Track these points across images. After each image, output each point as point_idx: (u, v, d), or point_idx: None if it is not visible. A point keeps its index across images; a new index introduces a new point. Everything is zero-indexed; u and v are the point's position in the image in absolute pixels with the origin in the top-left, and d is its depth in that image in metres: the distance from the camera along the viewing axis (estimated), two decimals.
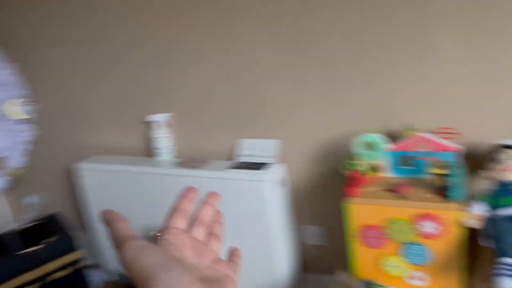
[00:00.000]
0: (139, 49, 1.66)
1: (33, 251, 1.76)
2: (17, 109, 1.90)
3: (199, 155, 1.71)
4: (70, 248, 1.80)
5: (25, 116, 1.94)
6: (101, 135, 1.93)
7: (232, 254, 0.45)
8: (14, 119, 1.92)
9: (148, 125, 1.78)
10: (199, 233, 0.42)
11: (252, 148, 1.53)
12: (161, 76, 1.66)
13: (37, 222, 2.02)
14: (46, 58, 1.93)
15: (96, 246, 2.13)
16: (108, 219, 0.35)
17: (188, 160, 1.64)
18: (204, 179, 1.49)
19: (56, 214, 2.06)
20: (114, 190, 1.76)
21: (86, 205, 1.88)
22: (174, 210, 0.41)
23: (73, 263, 1.81)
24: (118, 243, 0.33)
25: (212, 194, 0.46)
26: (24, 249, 1.77)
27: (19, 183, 2.36)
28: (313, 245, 1.60)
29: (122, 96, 1.79)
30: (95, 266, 2.23)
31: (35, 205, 2.39)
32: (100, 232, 1.90)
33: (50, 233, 1.88)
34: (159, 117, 1.67)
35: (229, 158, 1.63)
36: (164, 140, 1.69)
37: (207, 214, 0.44)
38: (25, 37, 1.95)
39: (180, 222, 0.40)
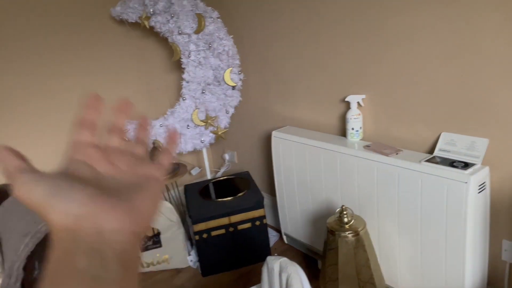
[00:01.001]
0: (348, 25, 1.66)
1: (226, 200, 2.04)
2: (232, 77, 2.17)
3: (387, 141, 1.67)
4: (256, 205, 2.01)
5: (235, 84, 2.21)
6: (297, 107, 2.05)
7: (169, 140, 0.41)
8: (228, 85, 2.20)
9: (343, 104, 1.81)
10: (114, 141, 0.38)
11: (453, 143, 1.40)
12: (363, 55, 1.64)
13: (231, 177, 2.32)
14: (256, 33, 2.13)
15: (276, 209, 2.33)
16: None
17: (378, 145, 1.61)
18: (396, 168, 1.45)
19: (247, 172, 2.32)
20: (299, 162, 1.87)
21: (273, 170, 2.06)
22: (77, 123, 0.37)
23: (257, 218, 2.03)
24: (11, 179, 0.30)
25: (123, 102, 0.41)
26: (219, 198, 2.07)
27: (220, 140, 2.73)
28: (506, 262, 1.41)
29: (323, 73, 1.85)
30: (272, 226, 2.46)
31: (231, 162, 2.73)
32: (282, 197, 2.07)
33: (240, 188, 2.14)
34: (352, 98, 1.68)
35: (423, 150, 1.54)
36: (355, 122, 1.69)
37: (121, 121, 0.39)
38: (241, 13, 2.18)
39: (86, 135, 0.36)
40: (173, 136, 0.42)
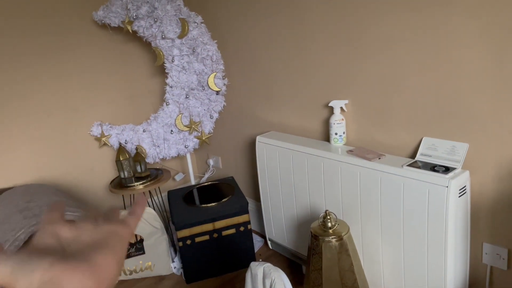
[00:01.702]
0: (330, 32, 1.68)
1: (210, 206, 2.02)
2: (216, 82, 2.16)
3: (370, 146, 1.68)
4: (241, 211, 2.00)
5: (219, 89, 2.20)
6: (281, 112, 2.06)
7: (136, 205, 0.43)
8: (212, 90, 2.19)
9: (326, 109, 1.82)
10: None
11: (435, 148, 1.42)
12: (345, 62, 1.66)
13: (215, 182, 2.30)
14: (240, 38, 2.13)
15: (260, 214, 2.32)
16: None
17: (361, 149, 1.63)
18: (378, 172, 1.46)
19: (231, 178, 2.31)
20: (284, 167, 1.87)
21: (258, 176, 2.05)
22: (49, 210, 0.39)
23: (242, 224, 2.02)
24: None
25: (141, 199, 0.44)
26: (203, 204, 2.05)
27: (205, 146, 2.72)
28: (487, 265, 1.43)
29: (306, 78, 1.86)
30: (256, 232, 2.45)
31: (215, 167, 2.72)
32: (266, 203, 2.06)
33: (225, 193, 2.13)
34: (335, 103, 1.69)
35: (405, 155, 1.56)
36: (339, 127, 1.70)
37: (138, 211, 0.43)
38: (225, 18, 2.18)
39: (56, 215, 0.38)
40: (141, 201, 0.44)
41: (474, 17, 1.23)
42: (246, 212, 2.01)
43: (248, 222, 2.03)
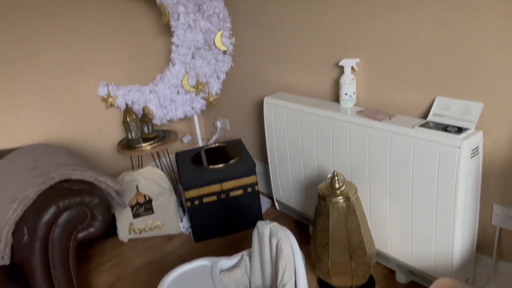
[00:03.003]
0: None
1: (218, 168, 2.02)
2: (223, 41, 2.10)
3: (381, 106, 1.64)
4: (248, 172, 2.00)
5: (226, 48, 2.15)
6: (290, 73, 2.00)
7: None
8: (218, 50, 2.14)
9: (336, 69, 1.76)
10: None
11: (448, 108, 1.38)
12: (357, 18, 1.59)
13: (223, 144, 2.29)
14: None
15: (268, 176, 2.32)
16: None
17: (371, 110, 1.58)
18: (388, 133, 1.43)
19: (239, 140, 2.29)
20: (292, 128, 1.84)
21: (266, 137, 2.03)
22: None
23: (249, 185, 2.02)
24: None
25: None
26: (211, 165, 2.05)
27: (212, 107, 2.69)
28: (496, 226, 1.42)
29: (316, 37, 1.79)
30: (264, 193, 2.46)
31: (223, 130, 2.70)
32: (274, 164, 2.05)
33: (232, 155, 2.12)
34: (346, 62, 1.64)
35: (417, 115, 1.52)
36: (349, 87, 1.65)
37: None
38: None
39: None
40: None
41: None
42: (254, 173, 2.01)
43: (256, 184, 2.03)
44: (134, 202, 2.07)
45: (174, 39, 2.08)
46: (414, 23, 1.40)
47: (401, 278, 1.63)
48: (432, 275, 1.46)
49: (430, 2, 1.33)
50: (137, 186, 2.07)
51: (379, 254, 1.65)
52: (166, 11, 2.01)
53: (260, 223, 1.32)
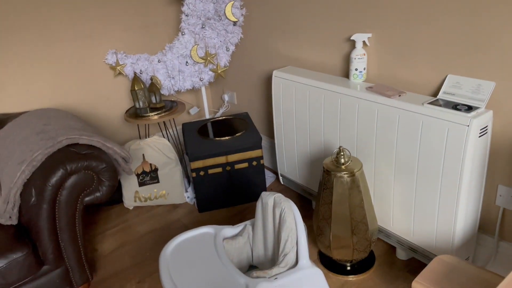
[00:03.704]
0: None
1: (224, 140, 2.03)
2: (233, 11, 2.07)
3: (391, 83, 1.62)
4: (254, 145, 2.00)
5: (237, 19, 2.11)
6: (300, 47, 1.98)
7: None
8: (229, 21, 2.10)
9: (347, 43, 1.74)
10: None
11: (459, 86, 1.36)
12: None
13: (229, 117, 2.29)
14: None
15: (273, 151, 2.33)
16: None
17: (381, 86, 1.57)
18: (397, 110, 1.42)
19: (246, 113, 2.29)
20: (299, 103, 1.83)
21: (273, 112, 2.03)
22: None
23: (254, 159, 2.03)
24: None
25: None
26: (217, 137, 2.05)
27: (220, 80, 2.68)
28: (500, 207, 1.42)
29: (328, 10, 1.76)
30: (269, 168, 2.47)
31: (230, 103, 2.69)
32: (280, 139, 2.05)
33: (239, 129, 2.12)
34: (358, 37, 1.61)
35: (427, 93, 1.50)
36: (360, 62, 1.63)
37: None
38: None
39: None
40: None
41: None
42: (259, 147, 2.01)
43: (261, 157, 2.04)
44: (140, 171, 2.09)
45: (184, 8, 2.05)
46: None
47: (401, 254, 1.65)
48: (433, 253, 1.48)
49: None
50: (143, 155, 2.08)
51: (380, 230, 1.67)
52: None
53: (264, 194, 1.33)
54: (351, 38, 1.63)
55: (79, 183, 1.47)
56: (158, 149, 2.10)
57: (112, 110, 2.44)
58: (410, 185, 1.46)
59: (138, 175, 2.09)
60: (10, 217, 1.45)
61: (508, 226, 1.43)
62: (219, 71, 2.26)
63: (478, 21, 1.27)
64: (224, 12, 2.07)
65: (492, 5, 1.22)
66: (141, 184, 2.11)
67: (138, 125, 2.44)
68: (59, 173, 1.41)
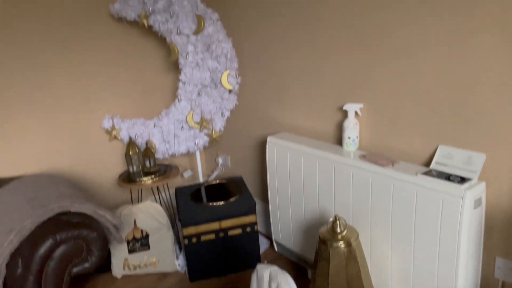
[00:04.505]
0: (348, 33, 1.65)
1: (218, 205, 2.01)
2: (229, 80, 2.15)
3: (383, 151, 1.65)
4: (248, 211, 1.98)
5: (232, 87, 2.19)
6: (294, 114, 2.03)
7: None
8: (224, 88, 2.18)
9: (340, 112, 1.79)
10: None
11: (450, 157, 1.39)
12: (362, 64, 1.63)
13: (223, 181, 2.29)
14: (255, 36, 2.11)
15: (268, 216, 2.30)
16: None
17: (374, 155, 1.60)
18: (391, 179, 1.43)
19: (240, 177, 2.29)
20: (294, 169, 1.85)
21: (267, 176, 2.03)
22: None
23: (248, 225, 2.00)
24: None
25: None
26: (211, 202, 2.03)
27: (214, 144, 2.71)
28: (499, 280, 1.39)
29: (321, 80, 1.83)
30: (263, 233, 2.42)
31: (224, 166, 2.70)
32: (274, 204, 2.04)
33: (233, 193, 2.11)
34: (350, 107, 1.67)
35: (419, 162, 1.53)
36: (352, 131, 1.67)
37: None
38: (241, 16, 2.16)
39: None
40: None
41: (497, 24, 1.20)
42: (254, 212, 1.99)
43: (255, 223, 2.01)
44: (130, 237, 2.04)
45: (182, 76, 2.13)
46: (418, 71, 1.44)
47: None
48: None
49: (434, 51, 1.38)
50: (134, 221, 2.04)
51: None
52: (176, 49, 2.07)
53: (259, 266, 1.30)
54: (343, 108, 1.68)
55: (68, 253, 1.42)
56: (150, 214, 2.06)
57: (106, 174, 2.43)
58: (407, 255, 1.44)
59: (128, 242, 2.04)
60: None
61: None
62: (214, 136, 2.29)
63: (467, 94, 1.33)
64: (220, 81, 2.14)
65: (482, 79, 1.29)
66: (131, 251, 2.05)
67: (131, 189, 2.42)
68: (48, 243, 1.37)
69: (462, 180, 1.29)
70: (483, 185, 1.30)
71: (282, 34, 1.95)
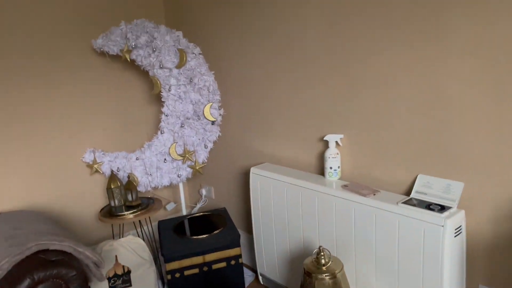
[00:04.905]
0: (326, 66, 1.70)
1: (201, 238, 1.98)
2: (212, 112, 2.16)
3: (365, 181, 1.67)
4: (232, 244, 1.96)
5: (215, 119, 2.20)
6: (276, 145, 2.05)
7: None
8: (207, 120, 2.19)
9: (321, 143, 1.82)
10: None
11: (430, 186, 1.42)
12: (341, 95, 1.67)
13: (207, 213, 2.26)
14: (237, 69, 2.15)
15: (252, 247, 2.27)
16: None
17: (355, 185, 1.61)
18: (373, 209, 1.45)
19: (223, 209, 2.27)
20: (277, 200, 1.85)
21: (251, 208, 2.02)
22: None
23: (233, 258, 1.97)
24: None
25: None
26: (194, 235, 2.00)
27: (198, 175, 2.69)
28: None
29: (301, 112, 1.87)
30: (247, 265, 2.39)
31: (207, 198, 2.68)
32: (259, 235, 2.02)
33: (217, 225, 2.09)
34: (330, 137, 1.69)
35: (400, 191, 1.55)
36: (333, 161, 1.70)
37: None
38: (221, 50, 2.21)
39: None
40: None
41: (471, 55, 1.26)
42: (238, 245, 1.97)
43: (240, 256, 1.98)
44: (111, 274, 1.98)
45: (164, 109, 2.14)
46: (395, 101, 1.49)
47: None
48: None
49: (409, 81, 1.43)
50: (116, 256, 1.99)
51: None
52: (158, 82, 2.09)
53: None
54: (324, 138, 1.71)
55: None
56: (132, 249, 2.01)
57: (86, 209, 2.38)
58: (392, 285, 1.44)
59: (109, 279, 1.97)
60: None
61: None
62: (197, 168, 2.28)
63: (444, 124, 1.37)
64: (203, 113, 2.16)
65: (459, 110, 1.33)
66: None
67: (112, 224, 2.37)
68: (26, 283, 1.32)
69: (442, 208, 1.31)
70: (462, 213, 1.32)
71: (263, 66, 1.99)
